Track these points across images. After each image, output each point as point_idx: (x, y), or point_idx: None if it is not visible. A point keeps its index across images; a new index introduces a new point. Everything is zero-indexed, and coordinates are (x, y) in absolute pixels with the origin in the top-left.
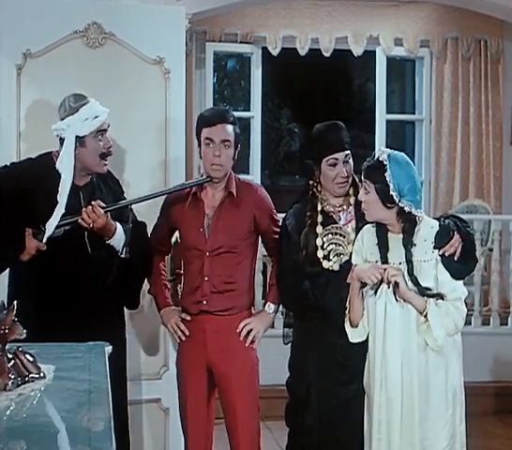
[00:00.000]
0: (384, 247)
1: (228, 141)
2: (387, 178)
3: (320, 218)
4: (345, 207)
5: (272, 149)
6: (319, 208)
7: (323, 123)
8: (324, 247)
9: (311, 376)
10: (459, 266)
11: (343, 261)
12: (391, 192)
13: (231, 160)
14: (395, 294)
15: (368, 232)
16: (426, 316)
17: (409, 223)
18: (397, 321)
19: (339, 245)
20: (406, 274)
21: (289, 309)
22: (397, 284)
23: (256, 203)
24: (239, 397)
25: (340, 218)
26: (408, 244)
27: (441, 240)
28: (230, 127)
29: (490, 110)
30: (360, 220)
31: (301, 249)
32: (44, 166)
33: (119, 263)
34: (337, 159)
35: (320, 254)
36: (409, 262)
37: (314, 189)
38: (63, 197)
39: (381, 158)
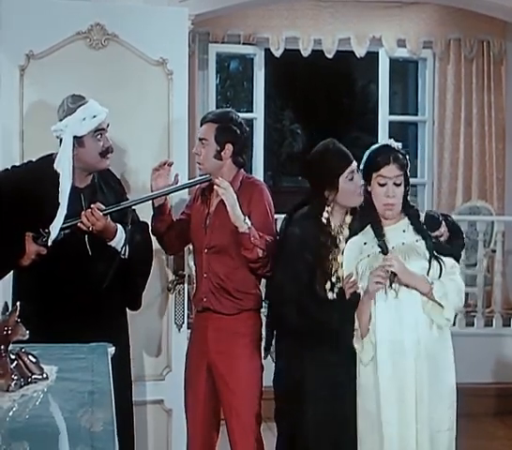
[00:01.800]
0: (381, 236)
1: (204, 139)
2: (408, 164)
3: (336, 252)
4: (343, 229)
5: (274, 150)
6: (328, 230)
7: (322, 143)
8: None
9: (308, 395)
10: (449, 248)
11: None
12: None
13: (210, 159)
14: (390, 283)
15: (351, 243)
16: (430, 297)
17: (410, 204)
18: (404, 314)
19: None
20: (420, 247)
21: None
22: (393, 273)
23: (250, 201)
24: (234, 401)
25: (340, 241)
26: (412, 216)
27: (431, 224)
28: (211, 126)
29: (493, 111)
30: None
31: (314, 275)
32: (45, 169)
33: (120, 264)
34: (353, 172)
35: (328, 286)
36: (420, 230)
37: (326, 215)
38: (64, 197)
39: (399, 147)
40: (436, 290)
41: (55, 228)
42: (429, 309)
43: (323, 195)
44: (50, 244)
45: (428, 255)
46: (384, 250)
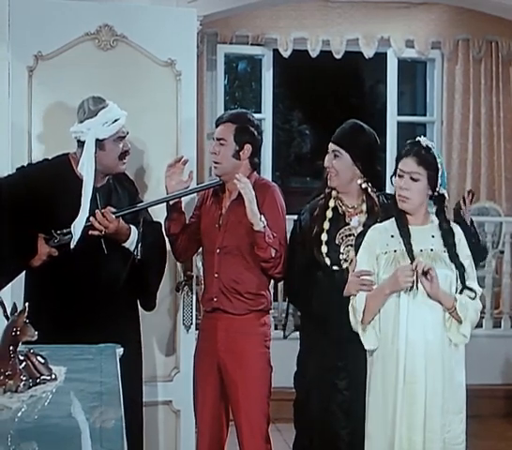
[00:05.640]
0: (406, 235)
1: (222, 139)
2: (439, 166)
3: (330, 214)
4: (357, 211)
5: (283, 151)
6: (331, 204)
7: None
8: (341, 250)
9: (312, 379)
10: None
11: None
12: (439, 179)
13: (229, 159)
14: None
15: (376, 230)
16: (452, 312)
17: (443, 208)
18: (420, 316)
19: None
20: (447, 257)
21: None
22: (427, 274)
23: (263, 203)
24: (244, 401)
25: (351, 221)
26: (445, 224)
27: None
28: (229, 126)
29: (502, 111)
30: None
31: (309, 241)
32: (61, 168)
33: (133, 264)
34: (328, 149)
35: (324, 249)
36: (449, 246)
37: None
38: (86, 200)
39: (429, 146)
40: (459, 305)
41: (78, 228)
42: (448, 326)
43: None
44: (73, 245)
45: (453, 267)
46: (410, 252)
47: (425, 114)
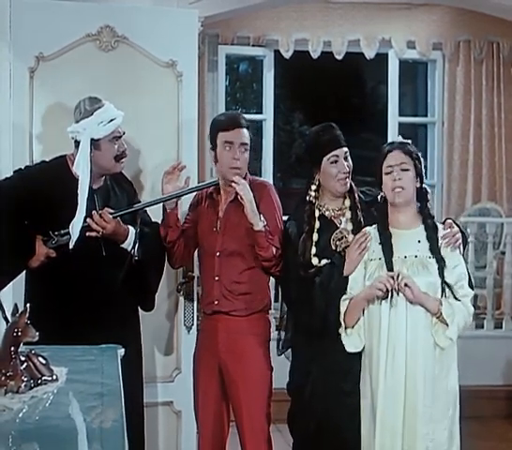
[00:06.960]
0: (387, 242)
1: (246, 144)
2: (420, 157)
3: (317, 225)
4: (344, 212)
5: (284, 152)
6: (317, 214)
7: (321, 124)
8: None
9: (315, 384)
10: None
11: None
12: (422, 170)
13: (247, 164)
14: (391, 294)
15: (373, 233)
16: (438, 317)
17: (427, 204)
18: (402, 323)
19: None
20: (434, 262)
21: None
22: (407, 286)
23: (260, 202)
24: (245, 401)
25: (341, 222)
26: (429, 220)
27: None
28: (246, 132)
29: (503, 112)
30: (357, 223)
31: (299, 255)
32: (58, 169)
33: (132, 265)
34: (337, 156)
35: (315, 261)
36: (434, 249)
37: (311, 194)
38: (82, 200)
39: (406, 142)
40: (444, 309)
41: (75, 228)
42: (435, 330)
43: (311, 173)
44: (71, 246)
45: (437, 273)
46: (388, 262)
47: (426, 115)
